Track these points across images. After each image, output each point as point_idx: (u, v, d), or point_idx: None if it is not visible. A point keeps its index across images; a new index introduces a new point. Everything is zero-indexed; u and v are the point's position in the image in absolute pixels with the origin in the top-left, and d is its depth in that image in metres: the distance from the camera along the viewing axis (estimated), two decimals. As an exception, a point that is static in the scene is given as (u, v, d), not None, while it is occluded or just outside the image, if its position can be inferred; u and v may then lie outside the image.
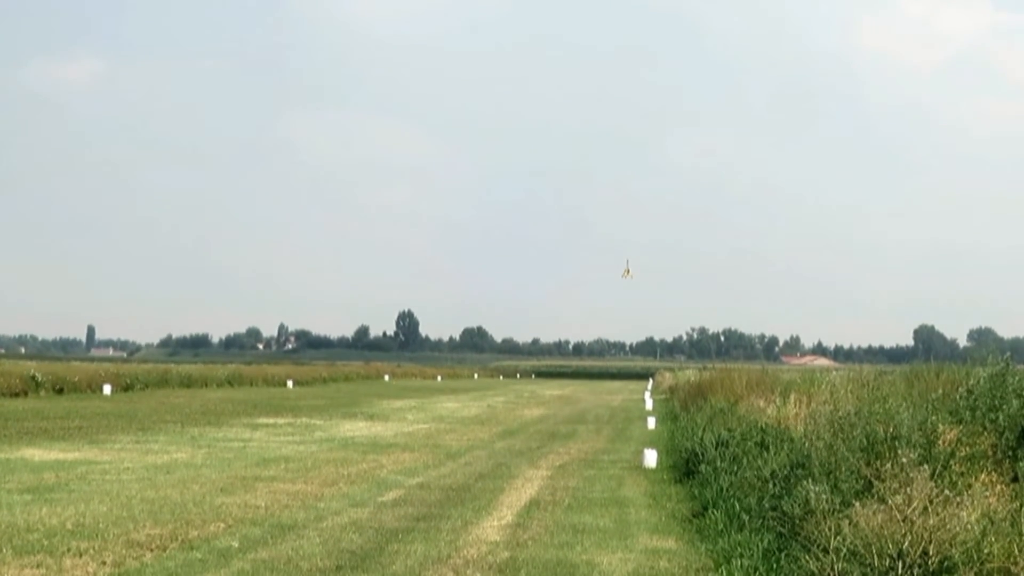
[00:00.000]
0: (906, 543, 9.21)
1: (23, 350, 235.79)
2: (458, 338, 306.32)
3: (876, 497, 10.73)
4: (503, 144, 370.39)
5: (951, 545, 9.23)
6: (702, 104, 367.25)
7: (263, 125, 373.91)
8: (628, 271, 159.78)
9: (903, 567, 9.08)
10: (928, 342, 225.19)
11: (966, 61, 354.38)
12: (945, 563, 9.12)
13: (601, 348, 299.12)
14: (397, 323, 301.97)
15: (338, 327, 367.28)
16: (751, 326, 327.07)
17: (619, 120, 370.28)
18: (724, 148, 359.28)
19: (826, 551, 9.65)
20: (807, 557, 9.91)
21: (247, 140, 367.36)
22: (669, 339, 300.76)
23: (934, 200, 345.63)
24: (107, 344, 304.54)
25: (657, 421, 36.97)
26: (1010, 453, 13.26)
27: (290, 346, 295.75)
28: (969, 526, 9.51)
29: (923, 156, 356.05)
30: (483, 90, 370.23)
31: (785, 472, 13.92)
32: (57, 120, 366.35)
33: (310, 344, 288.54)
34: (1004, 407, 13.85)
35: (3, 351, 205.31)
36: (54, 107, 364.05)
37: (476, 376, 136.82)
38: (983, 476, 12.08)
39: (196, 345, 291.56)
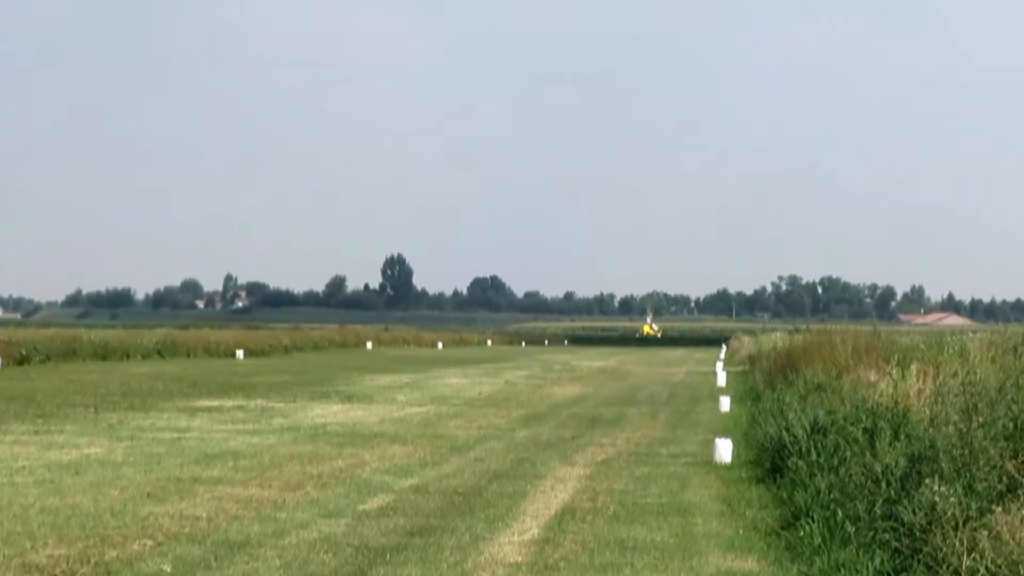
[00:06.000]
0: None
1: None
2: (465, 292, 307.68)
3: (1023, 501, 10.74)
4: (537, 42, 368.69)
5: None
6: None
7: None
8: (650, 327, 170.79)
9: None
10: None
11: None
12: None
13: (657, 304, 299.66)
14: (383, 273, 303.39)
15: (304, 279, 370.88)
16: (858, 274, 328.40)
17: (681, 29, 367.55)
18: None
19: (958, 572, 9.68)
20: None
21: (155, 36, 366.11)
22: (749, 292, 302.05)
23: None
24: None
25: (732, 401, 37.03)
26: None
27: (240, 304, 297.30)
28: None
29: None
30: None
31: (903, 469, 13.94)
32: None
33: (267, 301, 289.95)
34: None
35: None
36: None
37: (490, 342, 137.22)
38: None
39: (114, 303, 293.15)
